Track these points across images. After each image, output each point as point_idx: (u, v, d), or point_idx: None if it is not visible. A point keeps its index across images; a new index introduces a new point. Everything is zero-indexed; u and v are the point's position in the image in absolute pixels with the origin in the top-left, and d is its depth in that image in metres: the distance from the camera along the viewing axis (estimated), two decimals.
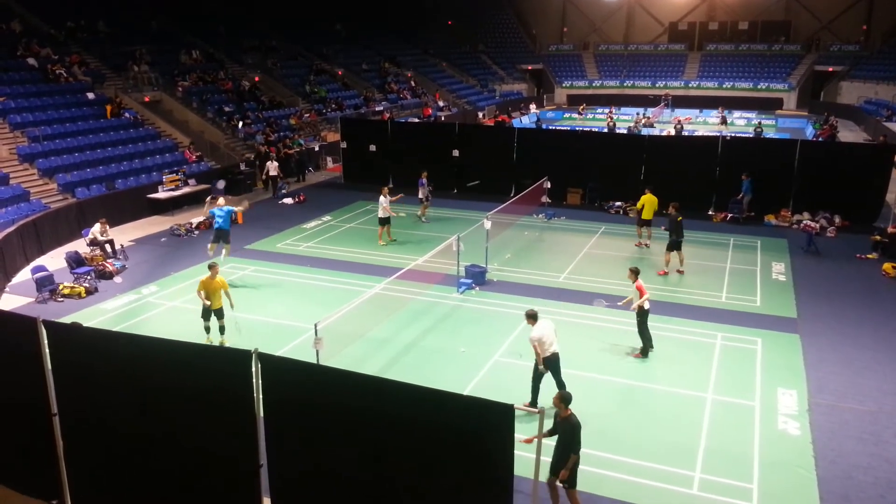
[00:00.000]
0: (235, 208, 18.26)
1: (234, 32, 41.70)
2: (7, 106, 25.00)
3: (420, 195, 22.48)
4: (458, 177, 26.71)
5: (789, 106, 55.56)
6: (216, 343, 13.21)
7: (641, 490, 9.08)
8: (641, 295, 12.54)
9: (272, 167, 27.47)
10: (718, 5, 63.13)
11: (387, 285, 14.52)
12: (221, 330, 13.44)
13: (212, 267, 13.31)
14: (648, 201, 19.38)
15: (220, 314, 13.37)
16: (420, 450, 6.58)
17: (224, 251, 17.72)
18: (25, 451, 8.52)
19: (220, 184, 21.38)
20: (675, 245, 17.27)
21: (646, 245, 19.77)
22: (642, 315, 12.74)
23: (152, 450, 7.75)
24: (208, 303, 13.10)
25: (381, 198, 19.79)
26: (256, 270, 17.84)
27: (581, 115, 50.90)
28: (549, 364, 10.77)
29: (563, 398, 8.04)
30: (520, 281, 16.98)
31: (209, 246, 17.80)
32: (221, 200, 18.04)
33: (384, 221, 19.99)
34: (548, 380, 10.94)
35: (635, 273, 12.86)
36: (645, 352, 12.87)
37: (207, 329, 13.40)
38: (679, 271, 17.52)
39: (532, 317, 10.77)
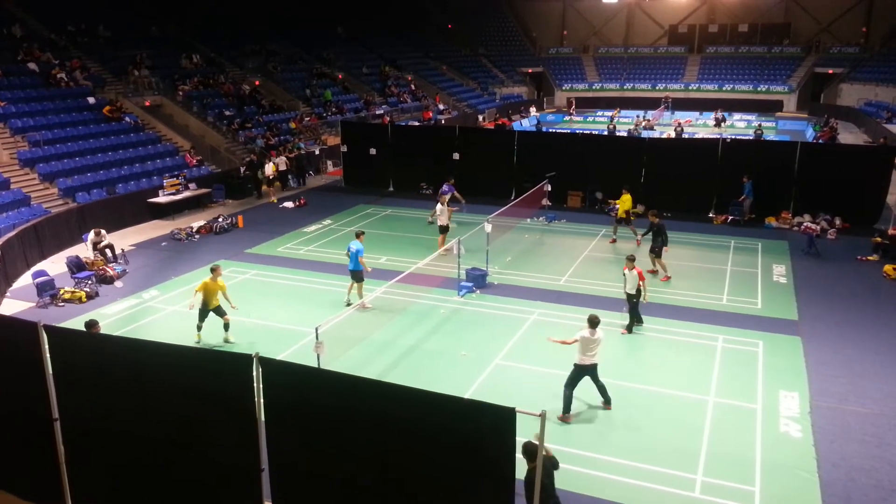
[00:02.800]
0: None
1: (235, 36, 41.77)
2: (8, 110, 25.04)
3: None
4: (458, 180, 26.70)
5: (789, 108, 55.59)
6: (221, 340, 13.48)
7: (643, 493, 9.07)
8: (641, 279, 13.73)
9: (281, 162, 27.72)
10: (718, 8, 63.21)
11: (387, 289, 14.51)
12: (226, 327, 13.56)
13: (214, 269, 13.49)
14: (625, 201, 20.16)
15: (220, 312, 13.50)
16: (421, 453, 6.57)
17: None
18: (27, 456, 8.51)
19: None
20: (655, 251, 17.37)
21: (613, 242, 20.59)
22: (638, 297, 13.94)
23: (153, 454, 7.74)
24: (195, 305, 13.38)
25: (438, 206, 19.38)
26: (257, 274, 17.83)
27: (572, 115, 50.55)
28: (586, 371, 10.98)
29: (526, 450, 7.29)
30: (521, 284, 16.97)
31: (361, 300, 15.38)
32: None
33: (444, 229, 19.43)
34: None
35: (632, 261, 13.87)
36: (630, 328, 14.09)
37: (199, 328, 13.54)
38: (652, 271, 17.51)
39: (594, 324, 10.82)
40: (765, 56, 60.17)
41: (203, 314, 13.50)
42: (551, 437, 9.75)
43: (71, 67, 29.72)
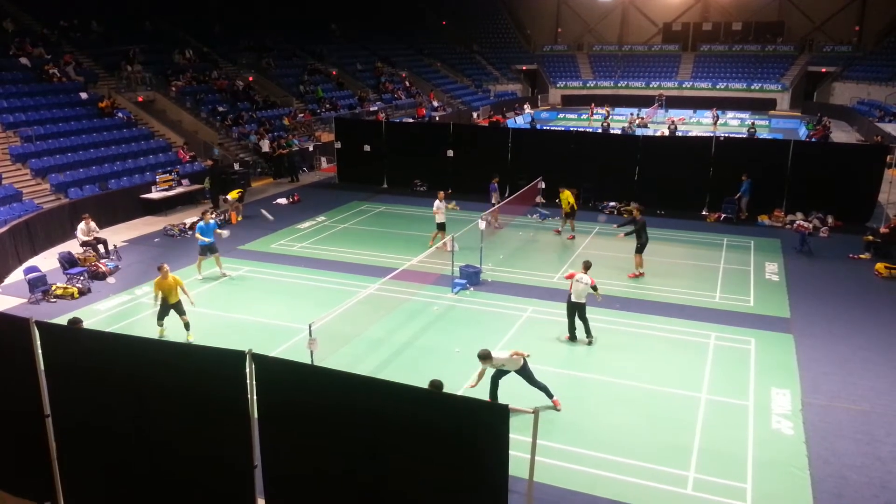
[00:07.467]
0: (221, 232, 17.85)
1: (229, 32, 41.62)
2: None
3: (493, 200, 22.11)
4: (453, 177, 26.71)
5: (782, 106, 55.79)
6: (182, 340, 13.26)
7: (636, 490, 9.09)
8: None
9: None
10: (712, 6, 63.33)
11: (381, 285, 14.51)
12: (187, 326, 13.56)
13: (160, 268, 13.48)
14: (566, 197, 20.43)
15: (180, 310, 13.53)
16: (414, 450, 6.56)
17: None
18: (18, 453, 8.48)
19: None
20: (640, 248, 17.26)
21: (556, 232, 21.12)
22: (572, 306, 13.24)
23: (146, 451, 7.71)
24: (157, 304, 13.50)
25: (437, 202, 19.12)
26: (251, 271, 17.79)
27: (592, 114, 50.31)
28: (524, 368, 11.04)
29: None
30: (514, 281, 16.99)
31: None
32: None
33: (441, 226, 19.23)
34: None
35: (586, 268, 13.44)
36: (572, 338, 13.45)
37: (161, 324, 13.69)
38: (639, 274, 17.40)
39: (486, 357, 10.39)
40: (758, 54, 60.34)
41: (163, 312, 13.57)
42: (542, 434, 9.80)
43: (63, 62, 29.55)
